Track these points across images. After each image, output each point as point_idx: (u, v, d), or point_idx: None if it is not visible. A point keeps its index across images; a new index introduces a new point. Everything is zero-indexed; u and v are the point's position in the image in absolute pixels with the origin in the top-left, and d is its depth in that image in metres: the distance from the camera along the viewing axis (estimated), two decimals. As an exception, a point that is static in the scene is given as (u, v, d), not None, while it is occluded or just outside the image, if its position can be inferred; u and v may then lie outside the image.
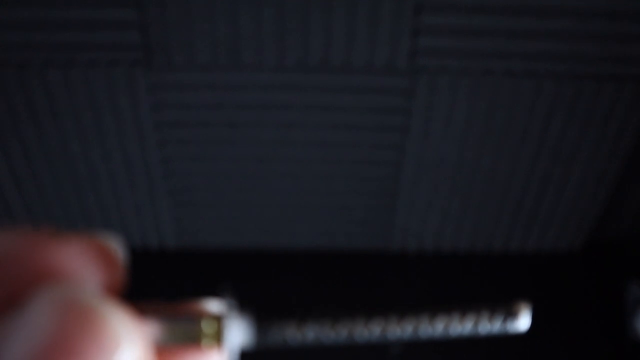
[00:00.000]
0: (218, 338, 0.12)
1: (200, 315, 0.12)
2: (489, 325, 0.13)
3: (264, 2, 0.53)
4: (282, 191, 0.67)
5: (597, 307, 0.71)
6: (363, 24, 0.55)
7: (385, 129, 0.62)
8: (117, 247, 0.13)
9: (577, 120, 0.61)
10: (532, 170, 0.65)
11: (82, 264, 0.12)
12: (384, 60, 0.57)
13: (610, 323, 0.69)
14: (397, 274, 0.73)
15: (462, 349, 0.68)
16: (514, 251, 0.73)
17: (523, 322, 0.14)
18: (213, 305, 0.12)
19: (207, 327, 0.12)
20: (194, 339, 0.12)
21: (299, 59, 0.57)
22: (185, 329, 0.12)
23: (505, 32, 0.55)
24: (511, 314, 0.14)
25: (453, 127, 0.61)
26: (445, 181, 0.66)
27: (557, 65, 0.57)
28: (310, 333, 0.13)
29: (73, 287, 0.11)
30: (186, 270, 0.71)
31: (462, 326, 0.13)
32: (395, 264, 0.73)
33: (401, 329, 0.13)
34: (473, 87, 0.58)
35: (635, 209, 0.71)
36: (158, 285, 0.69)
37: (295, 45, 0.56)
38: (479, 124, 0.61)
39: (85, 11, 0.54)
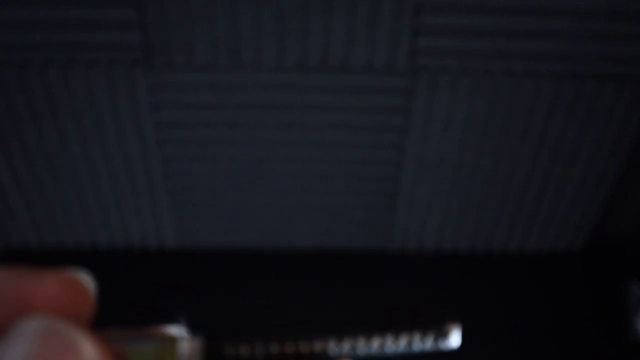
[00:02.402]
0: (174, 358, 0.14)
1: (159, 338, 0.14)
2: (421, 344, 0.14)
3: (264, 3, 0.53)
4: (282, 191, 0.67)
5: (597, 307, 0.71)
6: (363, 24, 0.55)
7: (385, 129, 0.62)
8: (87, 282, 0.14)
9: (577, 120, 0.61)
10: (532, 170, 0.65)
11: (57, 298, 0.14)
12: (384, 60, 0.57)
13: (610, 323, 0.69)
14: (397, 274, 0.73)
15: (462, 348, 0.68)
16: (514, 251, 0.73)
17: (454, 340, 0.15)
18: (170, 330, 0.14)
19: (165, 348, 0.14)
20: (155, 359, 0.14)
21: (298, 59, 0.57)
22: (146, 351, 0.14)
23: (505, 32, 0.55)
24: (442, 333, 0.15)
25: (453, 127, 0.61)
26: (445, 181, 0.66)
27: (557, 65, 0.57)
28: (259, 352, 0.14)
29: (50, 319, 0.13)
30: (186, 270, 0.71)
31: (396, 345, 0.14)
32: (395, 264, 0.73)
33: (340, 348, 0.14)
34: (473, 87, 0.58)
35: (635, 209, 0.71)
36: (158, 285, 0.69)
37: (295, 45, 0.56)
38: (479, 124, 0.61)
39: (85, 11, 0.54)
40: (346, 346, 0.14)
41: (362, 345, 0.14)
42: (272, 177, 0.66)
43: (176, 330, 0.14)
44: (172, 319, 0.15)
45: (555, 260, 0.73)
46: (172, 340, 0.14)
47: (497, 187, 0.66)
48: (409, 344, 0.14)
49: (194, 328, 0.14)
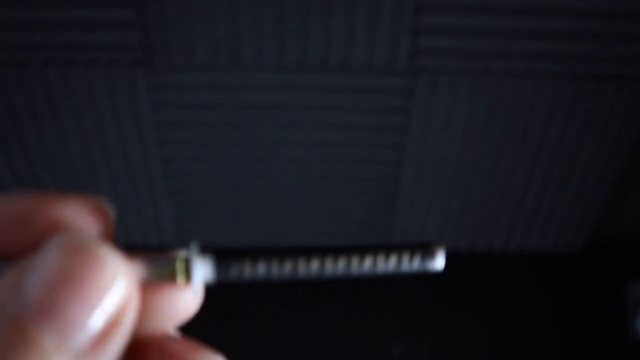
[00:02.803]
0: (187, 275, 0.15)
1: (174, 258, 0.15)
2: (408, 265, 0.16)
3: (264, 3, 0.53)
4: (282, 191, 0.67)
5: (597, 307, 0.71)
6: (363, 24, 0.55)
7: (385, 129, 0.62)
8: (108, 205, 0.16)
9: (577, 120, 0.61)
10: (532, 170, 0.65)
11: (82, 218, 0.15)
12: (384, 60, 0.57)
13: (610, 323, 0.69)
14: (397, 274, 0.73)
15: (463, 349, 0.68)
16: (514, 251, 0.73)
17: (439, 262, 0.16)
18: (184, 251, 0.16)
19: (179, 266, 0.15)
20: (169, 277, 0.15)
21: (298, 59, 0.57)
22: (162, 269, 0.15)
23: (505, 32, 0.55)
24: (429, 254, 0.16)
25: (453, 127, 0.61)
26: (445, 181, 0.66)
27: (557, 65, 0.57)
28: (261, 270, 0.16)
29: (78, 234, 0.14)
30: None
31: (387, 264, 0.16)
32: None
33: (335, 267, 0.16)
34: (473, 87, 0.58)
35: (635, 209, 0.71)
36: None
37: (295, 45, 0.56)
38: (479, 124, 0.61)
39: (85, 11, 0.54)
40: (341, 265, 0.16)
41: (355, 264, 0.16)
42: (272, 177, 0.66)
43: (190, 251, 0.16)
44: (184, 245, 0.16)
45: (556, 261, 0.73)
46: (185, 258, 0.15)
47: (497, 187, 0.66)
48: (399, 263, 0.16)
49: (205, 250, 0.16)
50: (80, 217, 0.15)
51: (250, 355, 0.67)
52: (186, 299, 0.16)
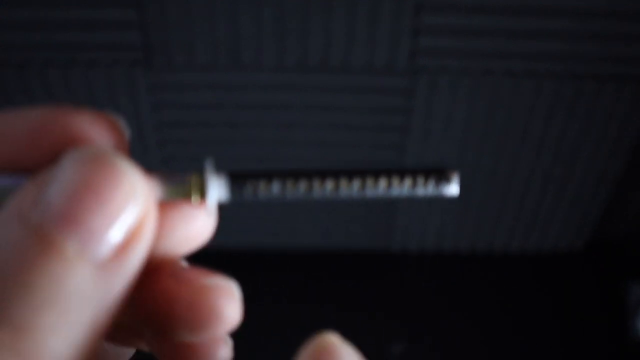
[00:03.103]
0: (202, 194, 0.15)
1: (189, 177, 0.16)
2: (423, 188, 0.16)
3: (264, 3, 0.53)
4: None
5: (598, 307, 0.71)
6: (363, 24, 0.55)
7: (386, 129, 0.62)
8: (122, 122, 0.16)
9: (577, 120, 0.60)
10: (532, 170, 0.65)
11: (97, 132, 0.15)
12: (384, 60, 0.57)
13: (611, 323, 0.69)
14: (398, 274, 0.73)
15: (463, 349, 0.68)
16: (515, 251, 0.73)
17: (454, 187, 0.16)
18: (199, 171, 0.16)
19: (195, 184, 0.15)
20: (184, 195, 0.15)
21: (298, 59, 0.57)
22: (177, 187, 0.15)
23: (505, 32, 0.55)
24: (444, 178, 0.16)
25: (453, 127, 0.61)
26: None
27: (557, 65, 0.57)
28: (276, 189, 0.16)
29: (98, 147, 0.14)
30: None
31: (401, 187, 0.16)
32: (396, 264, 0.73)
33: (350, 188, 0.15)
34: (473, 87, 0.58)
35: (636, 208, 0.71)
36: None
37: (295, 45, 0.56)
38: (479, 124, 0.61)
39: (85, 11, 0.54)
40: (355, 185, 0.15)
41: (370, 185, 0.15)
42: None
43: (204, 171, 0.16)
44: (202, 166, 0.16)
45: (556, 261, 0.73)
46: (200, 176, 0.15)
47: (497, 187, 0.66)
48: (413, 186, 0.16)
49: (220, 170, 0.16)
50: (95, 130, 0.15)
51: (247, 354, 0.67)
52: (200, 221, 0.16)
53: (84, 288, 0.13)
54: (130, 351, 0.19)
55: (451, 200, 0.68)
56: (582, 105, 0.59)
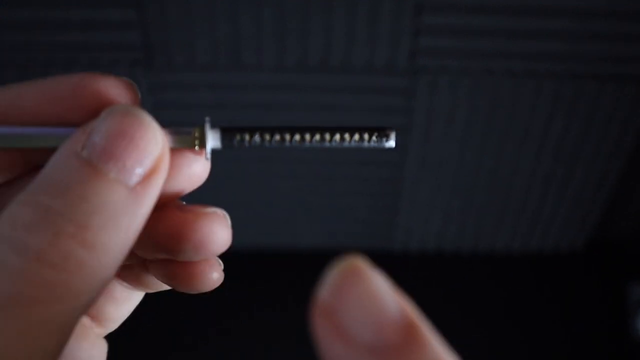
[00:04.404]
0: (202, 142, 0.20)
1: (192, 130, 0.20)
2: (368, 142, 0.21)
3: (264, 3, 0.53)
4: (283, 191, 0.67)
5: (598, 307, 0.71)
6: (363, 24, 0.55)
7: (386, 129, 0.62)
8: (134, 84, 0.21)
9: (578, 121, 0.60)
10: (533, 170, 0.65)
11: (119, 92, 0.20)
12: (384, 60, 0.57)
13: (611, 323, 0.69)
14: (399, 274, 0.73)
15: (463, 349, 0.68)
16: (516, 251, 0.73)
17: (392, 142, 0.21)
18: (200, 126, 0.21)
19: (196, 135, 0.20)
20: (188, 144, 0.20)
21: (299, 59, 0.57)
22: (183, 138, 0.20)
23: (505, 32, 0.55)
24: (384, 135, 0.20)
25: (454, 127, 0.61)
26: (447, 181, 0.66)
27: (557, 65, 0.57)
28: (256, 139, 0.21)
29: (129, 105, 0.19)
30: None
31: (352, 140, 0.21)
32: (397, 264, 0.73)
33: (313, 139, 0.21)
34: (473, 87, 0.58)
35: (637, 209, 0.71)
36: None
37: (295, 45, 0.56)
38: (480, 124, 0.61)
39: (86, 11, 0.54)
40: (317, 137, 0.21)
41: (328, 138, 0.21)
42: (272, 177, 0.66)
43: (203, 126, 0.20)
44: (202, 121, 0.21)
45: (557, 261, 0.73)
46: (201, 130, 0.20)
47: (498, 187, 0.66)
48: (360, 140, 0.20)
49: (215, 124, 0.21)
50: (119, 91, 0.20)
51: (248, 353, 0.67)
52: (199, 164, 0.21)
53: (121, 203, 0.18)
54: (136, 299, 0.24)
55: (453, 201, 0.68)
56: (583, 106, 0.59)
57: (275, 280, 0.71)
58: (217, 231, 0.21)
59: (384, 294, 0.16)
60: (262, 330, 0.69)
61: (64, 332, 0.17)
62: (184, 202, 0.22)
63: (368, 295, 0.16)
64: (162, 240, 0.21)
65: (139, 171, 0.18)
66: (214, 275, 0.22)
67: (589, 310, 0.70)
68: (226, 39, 0.55)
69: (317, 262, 0.84)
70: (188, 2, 0.53)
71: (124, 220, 0.18)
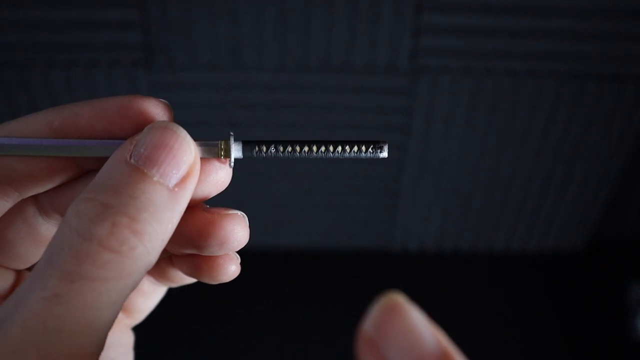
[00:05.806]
0: (227, 153, 0.24)
1: (218, 143, 0.24)
2: (364, 153, 0.24)
3: (265, 3, 0.53)
4: (283, 191, 0.67)
5: (598, 307, 0.71)
6: (364, 24, 0.55)
7: (387, 129, 0.62)
8: (168, 104, 0.24)
9: (579, 121, 0.61)
10: (533, 170, 0.65)
11: (159, 110, 0.24)
12: (385, 60, 0.57)
13: (611, 323, 0.69)
14: (399, 274, 0.73)
15: (463, 349, 0.68)
16: (516, 251, 0.73)
17: (384, 153, 0.24)
18: (225, 139, 0.24)
19: (222, 147, 0.24)
20: (215, 154, 0.24)
21: (299, 59, 0.57)
22: (210, 149, 0.24)
23: (506, 32, 0.55)
24: (378, 147, 0.24)
25: (454, 126, 0.61)
26: (447, 181, 0.66)
27: (558, 65, 0.57)
28: (272, 151, 0.24)
29: (168, 122, 0.23)
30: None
31: (351, 152, 0.24)
32: (396, 263, 0.73)
33: (318, 151, 0.24)
34: (474, 87, 0.58)
35: (637, 209, 0.71)
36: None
37: (296, 45, 0.56)
38: (480, 123, 0.61)
39: (86, 12, 0.54)
40: (322, 149, 0.24)
41: (331, 150, 0.24)
42: (273, 177, 0.66)
43: (227, 139, 0.24)
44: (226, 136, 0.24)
45: (557, 261, 0.73)
46: (226, 142, 0.24)
47: (498, 187, 0.66)
48: (358, 152, 0.24)
49: (237, 137, 0.24)
50: (158, 110, 0.24)
51: (249, 353, 0.67)
52: (224, 171, 0.25)
53: (163, 200, 0.22)
54: (160, 293, 0.29)
55: (452, 200, 0.68)
56: (584, 106, 0.59)
57: (275, 280, 0.71)
58: (238, 230, 0.25)
59: (421, 327, 0.18)
60: (262, 330, 0.69)
61: (116, 307, 0.21)
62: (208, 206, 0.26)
63: (407, 328, 0.18)
64: (191, 237, 0.24)
65: (177, 175, 0.22)
66: (233, 268, 0.26)
67: (589, 310, 0.70)
68: (227, 39, 0.55)
69: (316, 261, 0.84)
70: (189, 3, 0.53)
71: (165, 214, 0.21)
